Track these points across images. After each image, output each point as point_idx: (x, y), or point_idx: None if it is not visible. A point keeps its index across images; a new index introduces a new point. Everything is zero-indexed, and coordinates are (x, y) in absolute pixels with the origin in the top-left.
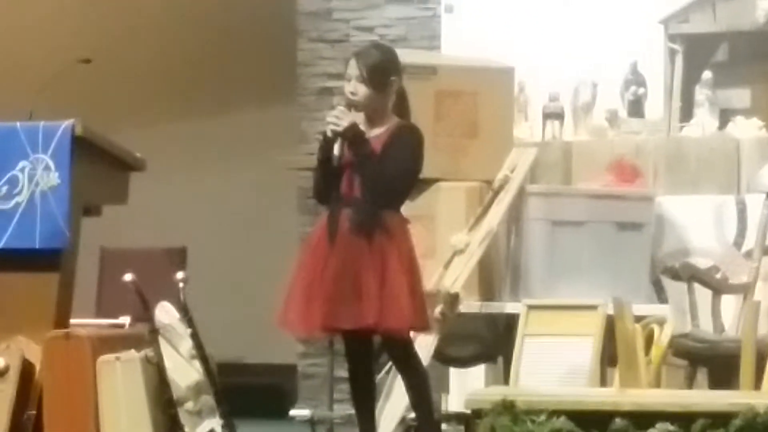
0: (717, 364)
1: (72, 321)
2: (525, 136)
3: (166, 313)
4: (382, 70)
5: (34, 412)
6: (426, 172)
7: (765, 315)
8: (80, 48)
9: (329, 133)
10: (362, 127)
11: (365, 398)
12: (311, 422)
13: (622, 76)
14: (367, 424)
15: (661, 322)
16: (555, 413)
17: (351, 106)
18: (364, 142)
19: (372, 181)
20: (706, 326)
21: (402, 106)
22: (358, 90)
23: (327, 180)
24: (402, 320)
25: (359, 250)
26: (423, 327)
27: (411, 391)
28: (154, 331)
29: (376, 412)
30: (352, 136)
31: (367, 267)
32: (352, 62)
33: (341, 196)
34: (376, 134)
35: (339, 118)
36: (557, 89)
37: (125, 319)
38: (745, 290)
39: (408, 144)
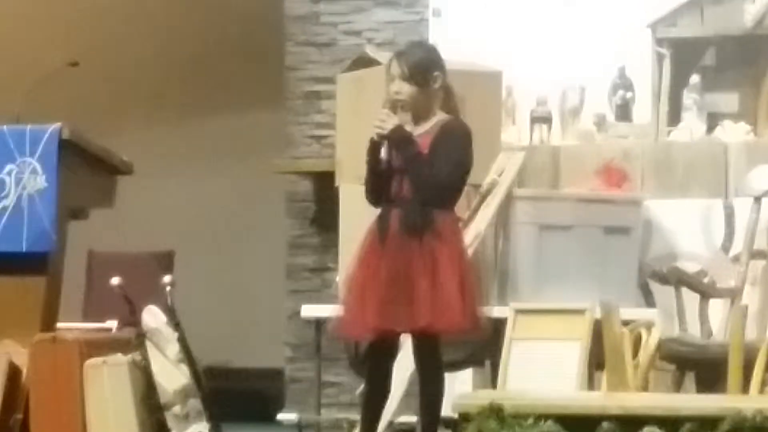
0: (704, 368)
1: (59, 324)
2: (513, 140)
3: (153, 316)
4: (425, 66)
5: (20, 415)
6: None
7: (752, 319)
8: (68, 51)
9: (375, 137)
10: (408, 126)
11: (377, 402)
12: (298, 426)
13: (609, 81)
14: (372, 423)
15: (649, 326)
16: (542, 417)
17: (396, 106)
18: (410, 143)
19: (422, 182)
20: (693, 330)
21: (450, 102)
22: (402, 89)
23: (377, 183)
24: (453, 322)
25: (410, 251)
26: (474, 328)
27: (428, 393)
28: (141, 335)
29: None
30: (398, 138)
31: (418, 268)
32: (394, 62)
33: (391, 197)
34: (422, 131)
35: (384, 122)
36: (545, 93)
37: (112, 323)
38: (732, 294)
39: (457, 142)
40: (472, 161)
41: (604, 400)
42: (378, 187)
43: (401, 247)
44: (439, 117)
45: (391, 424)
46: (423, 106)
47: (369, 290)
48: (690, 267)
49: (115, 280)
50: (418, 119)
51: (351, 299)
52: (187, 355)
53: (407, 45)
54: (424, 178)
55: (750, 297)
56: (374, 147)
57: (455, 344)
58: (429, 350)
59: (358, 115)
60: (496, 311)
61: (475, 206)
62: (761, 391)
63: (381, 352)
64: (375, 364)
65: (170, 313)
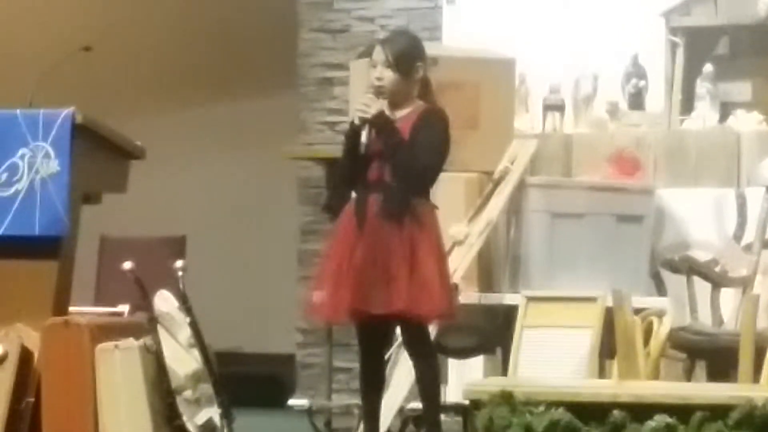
0: (716, 357)
1: (71, 309)
2: (525, 127)
3: (164, 301)
4: (408, 55)
5: (32, 399)
6: None
7: (764, 308)
8: (81, 36)
9: (357, 121)
10: (386, 112)
11: (374, 388)
12: (309, 412)
13: (623, 69)
14: (372, 415)
15: (660, 315)
16: (553, 404)
17: (378, 93)
18: (392, 129)
19: (403, 169)
20: (705, 319)
21: (427, 92)
22: (384, 75)
23: (354, 167)
24: (432, 307)
25: (389, 235)
26: (451, 314)
27: (421, 378)
28: (153, 320)
29: None
30: (381, 123)
31: (396, 253)
32: (378, 48)
33: (369, 182)
34: (401, 116)
35: (367, 106)
36: (558, 81)
37: (124, 308)
38: (744, 283)
39: (436, 129)
40: (449, 148)
41: (615, 388)
42: (355, 172)
43: (380, 231)
44: (416, 104)
45: (401, 410)
46: (402, 94)
47: (345, 273)
48: (702, 256)
49: (127, 265)
50: (395, 106)
51: (326, 281)
52: (199, 340)
53: (392, 33)
54: (406, 164)
55: (762, 286)
56: (354, 131)
57: (467, 331)
58: (417, 336)
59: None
60: (508, 298)
61: (487, 194)
62: None
63: (373, 339)
64: (367, 352)
65: (182, 297)
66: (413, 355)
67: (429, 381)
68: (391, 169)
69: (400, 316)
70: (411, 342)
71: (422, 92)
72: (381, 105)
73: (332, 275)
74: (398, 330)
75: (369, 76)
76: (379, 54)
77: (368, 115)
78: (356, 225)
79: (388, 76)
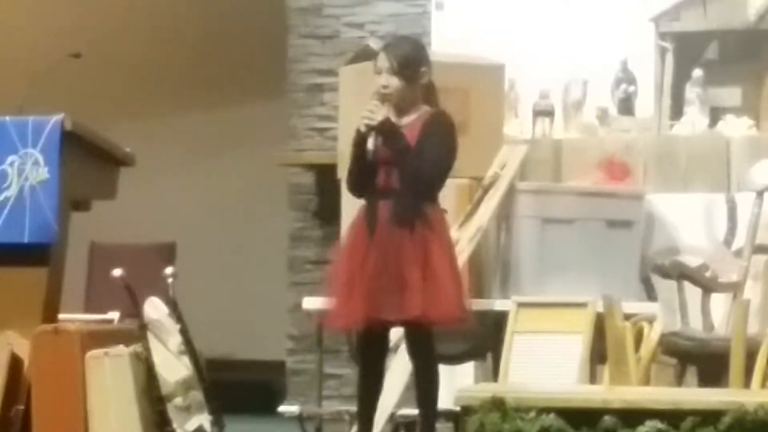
0: (706, 362)
1: (61, 316)
2: (515, 133)
3: (155, 308)
4: (413, 61)
5: (22, 407)
6: None
7: (754, 314)
8: (70, 43)
9: (363, 128)
10: (391, 117)
11: (373, 393)
12: (300, 418)
13: (612, 74)
14: (368, 421)
15: (651, 320)
16: (544, 410)
17: (384, 99)
18: (398, 135)
19: (411, 175)
20: (695, 324)
21: (431, 97)
22: (390, 82)
23: (362, 174)
24: (448, 311)
25: (400, 241)
26: (465, 317)
27: (423, 385)
28: (143, 327)
29: None
30: (386, 130)
31: (409, 258)
32: (382, 55)
33: (378, 188)
34: (407, 122)
35: (373, 113)
36: (548, 86)
37: (114, 315)
38: (734, 289)
39: (443, 134)
40: (456, 152)
41: (606, 393)
42: (363, 179)
43: (391, 237)
44: (422, 109)
45: (392, 416)
46: (408, 100)
47: (357, 280)
48: (692, 261)
49: (117, 272)
50: (401, 112)
51: (339, 290)
52: (189, 347)
53: (395, 39)
54: (414, 170)
55: (752, 292)
56: (361, 138)
57: (457, 337)
58: (422, 342)
59: (361, 108)
60: (498, 304)
61: (478, 199)
62: (763, 385)
63: (371, 350)
64: (366, 363)
65: (172, 304)
66: (417, 359)
67: (429, 386)
68: (400, 175)
69: (414, 321)
70: (416, 346)
71: (426, 96)
72: (386, 111)
73: (344, 284)
74: (391, 335)
75: (374, 82)
76: (383, 61)
77: (374, 122)
78: (367, 232)
79: (394, 83)
